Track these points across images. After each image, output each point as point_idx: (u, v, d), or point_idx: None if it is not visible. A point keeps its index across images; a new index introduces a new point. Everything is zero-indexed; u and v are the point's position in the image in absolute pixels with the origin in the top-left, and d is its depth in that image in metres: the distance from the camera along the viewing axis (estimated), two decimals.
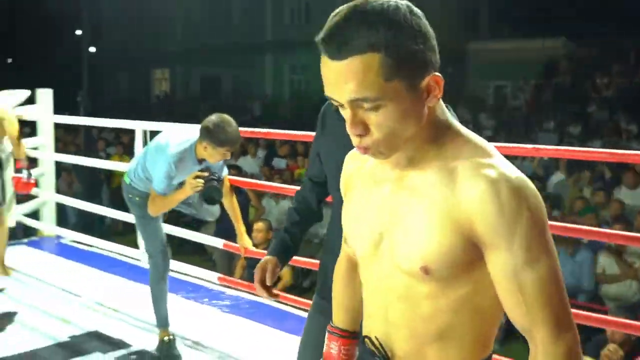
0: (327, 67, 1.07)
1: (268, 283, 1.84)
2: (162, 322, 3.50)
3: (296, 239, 2.09)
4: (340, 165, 1.42)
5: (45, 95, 5.86)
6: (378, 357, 1.24)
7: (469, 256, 1.11)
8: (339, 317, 1.51)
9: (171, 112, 17.08)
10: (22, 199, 5.88)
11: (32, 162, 5.84)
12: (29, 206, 5.96)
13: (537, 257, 1.06)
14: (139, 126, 4.79)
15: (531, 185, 1.10)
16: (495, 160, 1.11)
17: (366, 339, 1.28)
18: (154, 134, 4.44)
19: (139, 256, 4.98)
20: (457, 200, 1.09)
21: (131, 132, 4.90)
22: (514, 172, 1.10)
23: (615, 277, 5.90)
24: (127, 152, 9.77)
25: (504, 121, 14.12)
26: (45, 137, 5.90)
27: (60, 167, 7.75)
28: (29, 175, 4.74)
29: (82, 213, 8.03)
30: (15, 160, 4.75)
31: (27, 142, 5.76)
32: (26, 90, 5.74)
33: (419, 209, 1.13)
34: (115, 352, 3.54)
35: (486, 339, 1.22)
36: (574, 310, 3.34)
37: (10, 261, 4.98)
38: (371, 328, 1.28)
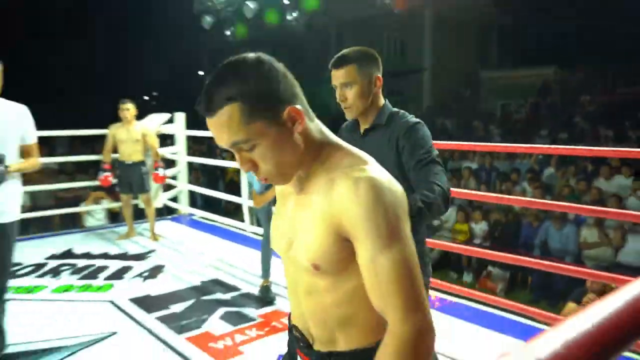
0: (208, 123, 0.94)
1: None
2: (265, 273, 3.55)
3: None
4: None
5: (180, 117, 6.03)
6: (302, 343, 1.12)
7: (346, 252, 0.96)
8: None
9: None
10: (166, 189, 6.12)
11: (171, 164, 6.07)
12: (171, 193, 6.17)
13: (390, 245, 0.89)
14: None
15: (394, 187, 0.94)
16: (367, 166, 0.95)
17: (293, 328, 1.15)
18: None
19: (245, 227, 5.12)
20: (331, 201, 0.94)
21: None
22: (380, 175, 0.93)
23: (594, 244, 5.66)
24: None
25: (509, 130, 13.62)
26: (180, 146, 6.09)
27: (191, 166, 7.98)
28: (163, 172, 5.07)
29: (206, 198, 8.26)
30: (154, 162, 5.03)
31: (167, 150, 5.99)
32: (167, 114, 5.96)
33: (309, 218, 1.00)
34: (231, 293, 3.63)
35: (381, 322, 1.00)
36: (562, 266, 3.21)
37: (158, 231, 5.24)
38: (295, 317, 1.15)
